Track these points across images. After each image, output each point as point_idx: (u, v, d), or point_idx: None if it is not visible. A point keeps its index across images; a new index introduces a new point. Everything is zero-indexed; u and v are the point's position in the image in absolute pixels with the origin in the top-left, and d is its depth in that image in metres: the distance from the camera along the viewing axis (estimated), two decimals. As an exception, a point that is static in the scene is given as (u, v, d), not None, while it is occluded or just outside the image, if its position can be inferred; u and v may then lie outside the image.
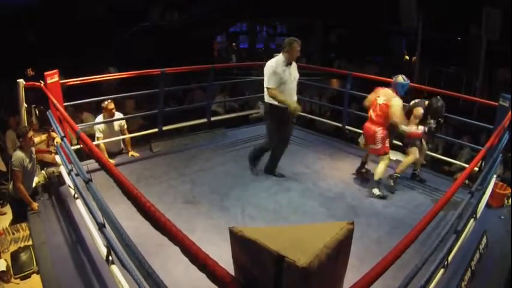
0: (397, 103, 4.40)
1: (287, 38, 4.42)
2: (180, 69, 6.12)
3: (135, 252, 1.90)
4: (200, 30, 12.73)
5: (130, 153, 5.44)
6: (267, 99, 4.45)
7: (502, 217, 4.02)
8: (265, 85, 4.40)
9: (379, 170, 4.52)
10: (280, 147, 4.78)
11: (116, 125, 5.37)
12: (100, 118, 5.28)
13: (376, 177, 4.53)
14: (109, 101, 5.19)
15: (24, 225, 3.92)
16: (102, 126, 5.24)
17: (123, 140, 5.49)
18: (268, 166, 4.90)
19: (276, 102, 4.37)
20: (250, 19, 15.82)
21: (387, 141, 4.58)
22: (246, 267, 2.04)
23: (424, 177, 5.01)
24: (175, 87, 8.00)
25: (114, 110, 5.25)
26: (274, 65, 4.33)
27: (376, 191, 4.50)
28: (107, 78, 5.85)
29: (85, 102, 5.36)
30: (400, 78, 4.52)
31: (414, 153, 4.67)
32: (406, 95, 4.81)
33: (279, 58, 4.37)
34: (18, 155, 4.02)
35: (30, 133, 4.10)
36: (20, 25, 10.20)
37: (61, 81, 4.56)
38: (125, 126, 5.47)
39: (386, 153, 4.58)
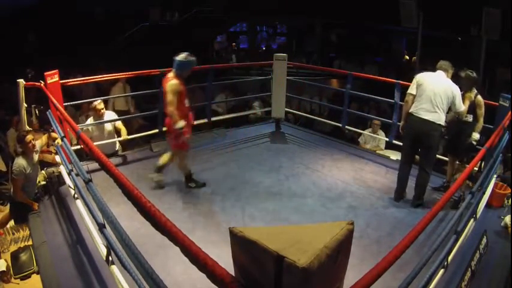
0: (170, 88, 3.98)
1: (445, 62, 4.15)
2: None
3: (135, 253, 1.90)
4: (200, 30, 12.75)
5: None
6: (441, 120, 4.07)
7: (502, 217, 4.02)
8: (458, 109, 4.11)
9: (164, 158, 4.47)
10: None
11: (109, 125, 5.17)
12: (89, 119, 5.15)
13: (158, 162, 4.49)
14: (99, 101, 5.02)
15: (24, 225, 3.92)
16: (89, 128, 5.02)
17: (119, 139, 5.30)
18: (421, 194, 4.30)
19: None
20: (250, 19, 15.81)
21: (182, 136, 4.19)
22: (246, 267, 2.04)
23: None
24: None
25: (103, 111, 5.05)
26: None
27: (153, 176, 4.50)
28: (107, 78, 5.83)
29: (85, 102, 5.34)
30: (179, 57, 4.04)
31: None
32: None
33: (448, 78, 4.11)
34: (20, 162, 3.89)
35: (29, 137, 3.96)
36: (20, 25, 10.22)
37: (61, 81, 4.56)
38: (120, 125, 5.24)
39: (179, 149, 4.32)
